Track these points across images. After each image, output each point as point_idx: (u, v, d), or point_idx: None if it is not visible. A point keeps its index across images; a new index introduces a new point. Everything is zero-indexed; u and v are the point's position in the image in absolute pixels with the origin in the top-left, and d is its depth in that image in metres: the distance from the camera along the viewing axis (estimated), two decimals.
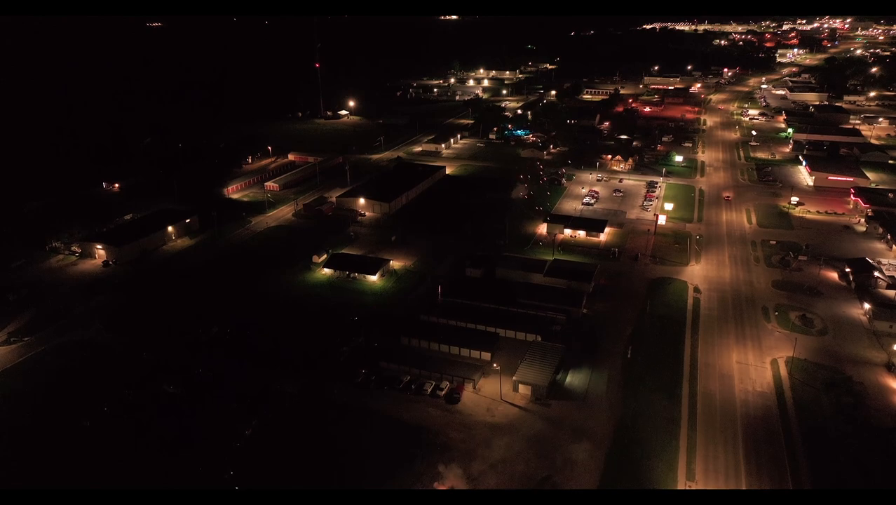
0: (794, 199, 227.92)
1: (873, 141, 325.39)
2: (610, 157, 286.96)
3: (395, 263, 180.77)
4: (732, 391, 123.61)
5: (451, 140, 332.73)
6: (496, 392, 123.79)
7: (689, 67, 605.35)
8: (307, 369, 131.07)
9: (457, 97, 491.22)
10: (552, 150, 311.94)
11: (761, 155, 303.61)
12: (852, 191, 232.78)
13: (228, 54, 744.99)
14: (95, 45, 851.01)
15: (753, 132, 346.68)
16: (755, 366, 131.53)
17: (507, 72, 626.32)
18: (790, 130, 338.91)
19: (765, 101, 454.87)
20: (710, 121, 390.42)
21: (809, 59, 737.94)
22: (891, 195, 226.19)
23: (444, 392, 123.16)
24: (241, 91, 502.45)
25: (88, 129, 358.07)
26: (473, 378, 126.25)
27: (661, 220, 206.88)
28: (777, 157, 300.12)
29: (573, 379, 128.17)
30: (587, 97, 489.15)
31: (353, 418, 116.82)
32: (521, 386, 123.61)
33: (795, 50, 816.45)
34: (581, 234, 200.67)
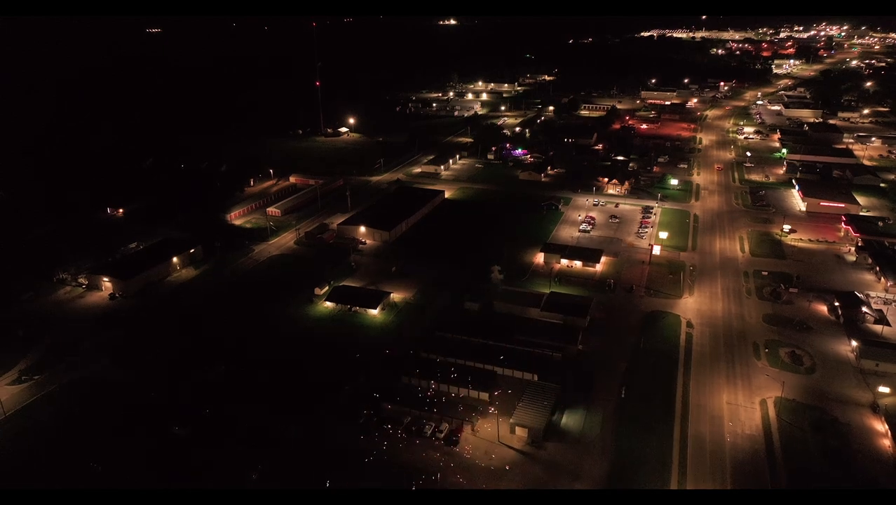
0: (787, 227, 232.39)
1: (866, 162, 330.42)
2: (606, 180, 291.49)
3: (396, 296, 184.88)
4: (722, 433, 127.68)
5: (450, 161, 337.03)
6: (494, 434, 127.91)
7: (686, 81, 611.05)
8: (310, 409, 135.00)
9: (455, 112, 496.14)
10: (550, 172, 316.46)
11: (755, 177, 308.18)
12: (843, 218, 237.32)
13: (229, 64, 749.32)
14: (94, 51, 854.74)
15: (748, 153, 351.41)
16: (745, 407, 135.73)
17: (506, 84, 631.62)
18: (784, 151, 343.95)
19: (760, 117, 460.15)
20: (705, 139, 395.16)
21: (806, 71, 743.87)
22: (881, 223, 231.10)
23: (443, 434, 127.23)
24: (241, 106, 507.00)
25: (90, 148, 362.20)
26: (472, 420, 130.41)
27: (656, 249, 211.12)
28: (771, 179, 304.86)
29: (568, 420, 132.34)
30: (584, 113, 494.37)
31: (355, 461, 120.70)
32: (517, 428, 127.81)
33: (792, 61, 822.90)
34: (577, 264, 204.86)
